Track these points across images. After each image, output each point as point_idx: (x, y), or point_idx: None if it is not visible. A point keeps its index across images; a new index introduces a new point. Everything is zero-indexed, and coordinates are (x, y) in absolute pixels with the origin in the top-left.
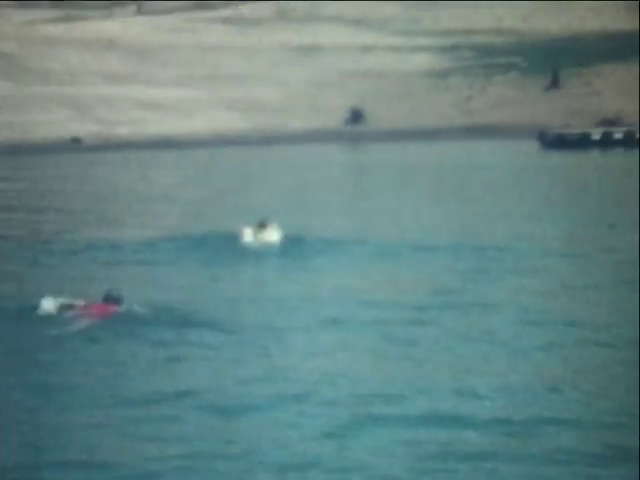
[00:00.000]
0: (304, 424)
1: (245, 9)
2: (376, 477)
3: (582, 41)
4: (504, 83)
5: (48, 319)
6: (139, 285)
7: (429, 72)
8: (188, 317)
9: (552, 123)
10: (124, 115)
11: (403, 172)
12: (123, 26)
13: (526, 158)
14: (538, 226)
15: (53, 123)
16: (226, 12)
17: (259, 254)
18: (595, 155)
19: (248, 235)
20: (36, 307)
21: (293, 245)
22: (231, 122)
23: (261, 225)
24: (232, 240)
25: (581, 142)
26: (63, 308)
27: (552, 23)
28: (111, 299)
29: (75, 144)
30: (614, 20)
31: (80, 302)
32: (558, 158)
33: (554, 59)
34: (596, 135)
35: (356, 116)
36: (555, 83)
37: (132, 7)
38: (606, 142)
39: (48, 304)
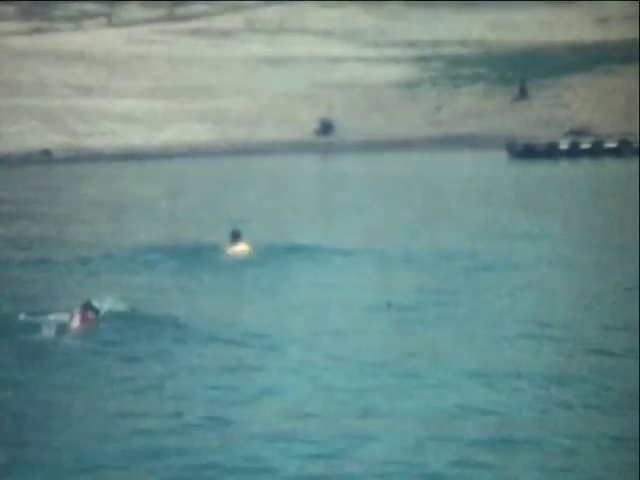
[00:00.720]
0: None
1: (215, 21)
2: None
3: (549, 52)
4: (472, 94)
5: (30, 334)
6: (114, 293)
7: (398, 83)
8: (165, 324)
9: (520, 133)
10: (94, 127)
11: (373, 182)
12: (93, 38)
13: (495, 168)
14: (508, 234)
15: (23, 135)
16: (196, 24)
17: (233, 264)
18: (563, 165)
19: (223, 245)
20: (12, 319)
21: (265, 254)
22: (201, 133)
23: (235, 235)
24: (206, 250)
25: (549, 152)
26: (44, 323)
27: (519, 34)
28: (90, 308)
29: (45, 156)
30: (581, 32)
31: (61, 315)
32: (527, 168)
33: (521, 70)
34: (564, 145)
35: (326, 127)
36: (523, 94)
37: (102, 19)
38: (574, 152)
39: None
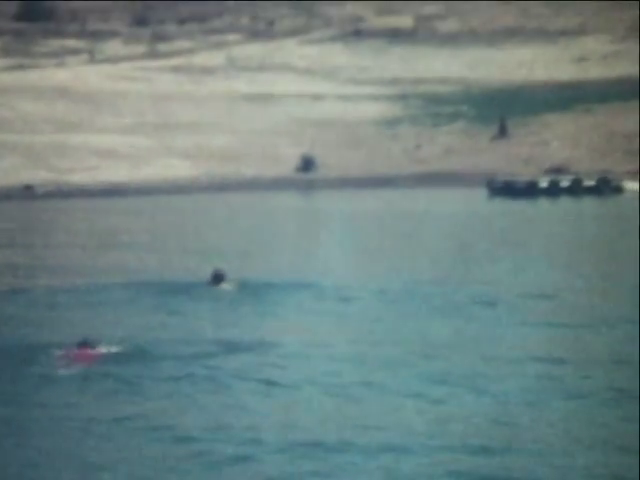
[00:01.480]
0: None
1: (197, 58)
2: None
3: (528, 91)
4: (452, 132)
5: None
6: (104, 328)
7: (378, 120)
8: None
9: (500, 171)
10: (76, 163)
11: (354, 219)
12: (75, 74)
13: (475, 205)
14: (489, 269)
15: (5, 171)
16: (178, 60)
17: (216, 299)
18: (543, 203)
19: (207, 284)
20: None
21: (247, 291)
22: (183, 170)
23: (217, 277)
24: (191, 287)
25: (529, 190)
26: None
27: (499, 73)
28: (88, 344)
29: (27, 191)
30: (559, 71)
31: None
32: (507, 205)
33: (501, 108)
34: (543, 183)
35: (307, 164)
36: (502, 132)
37: (84, 55)
38: (553, 190)
39: None
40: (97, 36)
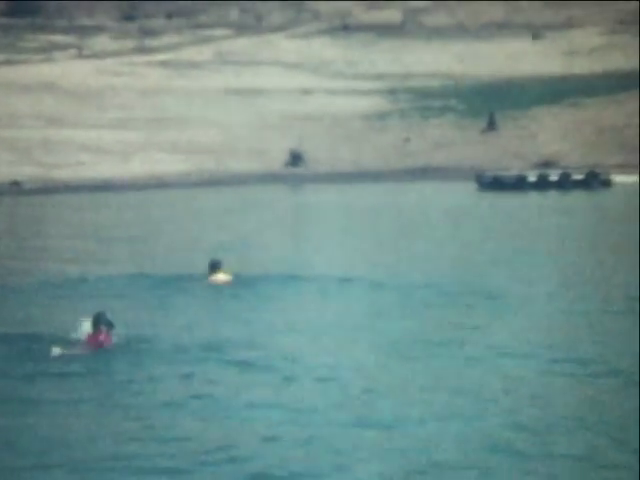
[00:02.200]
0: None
1: (185, 52)
2: None
3: (517, 85)
4: (441, 126)
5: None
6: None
7: (367, 115)
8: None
9: (489, 165)
10: (64, 158)
11: (342, 213)
12: (63, 69)
13: (464, 199)
14: (477, 264)
15: None
16: (166, 55)
17: (214, 291)
18: (532, 196)
19: (201, 276)
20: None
21: (242, 283)
22: (171, 165)
23: (214, 265)
24: (187, 280)
25: (518, 184)
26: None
27: (487, 67)
28: (103, 323)
29: (14, 187)
30: (548, 65)
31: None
32: (496, 199)
33: (490, 102)
34: (532, 177)
35: (295, 158)
36: (491, 126)
37: (72, 51)
38: (542, 184)
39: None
40: (85, 31)
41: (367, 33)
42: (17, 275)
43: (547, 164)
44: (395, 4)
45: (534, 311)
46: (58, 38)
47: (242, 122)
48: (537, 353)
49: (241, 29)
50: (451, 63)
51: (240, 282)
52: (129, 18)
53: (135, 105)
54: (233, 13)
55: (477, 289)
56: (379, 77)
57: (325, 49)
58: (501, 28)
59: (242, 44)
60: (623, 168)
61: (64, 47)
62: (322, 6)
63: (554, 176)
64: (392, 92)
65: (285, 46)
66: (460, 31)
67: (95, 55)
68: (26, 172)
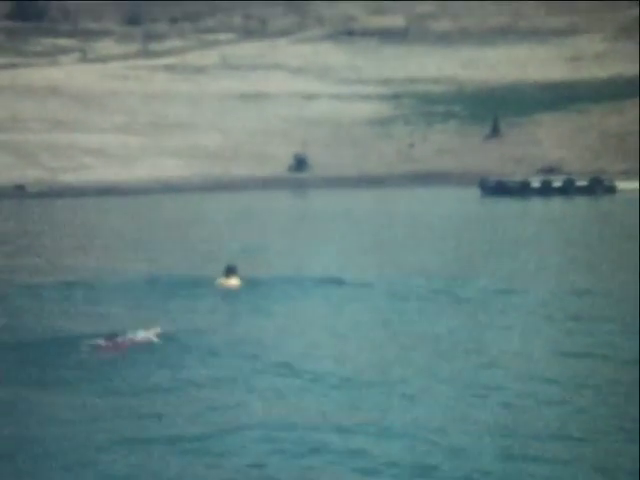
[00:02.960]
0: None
1: (189, 57)
2: None
3: (521, 91)
4: (445, 131)
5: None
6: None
7: (371, 120)
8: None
9: (493, 171)
10: (68, 162)
11: (346, 218)
12: (67, 73)
13: (468, 205)
14: (482, 268)
15: None
16: (170, 60)
17: (225, 294)
18: (535, 202)
19: (211, 279)
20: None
21: (251, 287)
22: (175, 169)
23: (229, 270)
24: (197, 283)
25: (521, 190)
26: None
27: (492, 73)
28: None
29: (19, 191)
30: (552, 71)
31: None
32: (499, 205)
33: (494, 108)
34: (536, 183)
35: (300, 163)
36: (495, 132)
37: (76, 54)
38: (545, 190)
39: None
40: (89, 35)
41: (371, 38)
42: (24, 277)
43: (551, 170)
44: (399, 10)
45: (534, 317)
46: (63, 42)
47: (246, 127)
48: (534, 368)
49: (245, 34)
50: (455, 69)
51: (248, 286)
52: (134, 22)
53: (139, 109)
54: (237, 18)
55: (479, 294)
56: (383, 82)
57: (329, 54)
58: (505, 34)
59: (246, 49)
60: (627, 174)
61: (69, 51)
62: (326, 11)
63: (558, 182)
64: (396, 97)
65: (289, 51)
66: (464, 37)
67: (99, 59)
68: (31, 175)
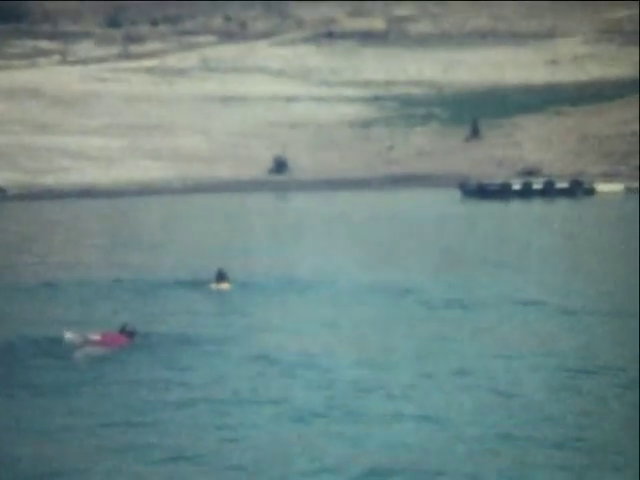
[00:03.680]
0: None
1: (169, 59)
2: None
3: (501, 93)
4: (425, 133)
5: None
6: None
7: (351, 122)
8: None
9: (473, 173)
10: (48, 164)
11: (326, 220)
12: (47, 75)
13: (448, 207)
14: (462, 271)
15: None
16: (151, 62)
17: (218, 295)
18: (516, 204)
19: (204, 282)
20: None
21: (240, 290)
22: (156, 171)
23: (220, 275)
24: (191, 285)
25: (502, 192)
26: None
27: (471, 75)
28: (126, 332)
29: None
30: (532, 73)
31: (95, 335)
32: (479, 207)
33: (474, 110)
34: (516, 185)
35: (280, 166)
36: (475, 134)
37: (56, 56)
38: (526, 192)
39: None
40: (69, 37)
41: (351, 41)
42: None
43: (531, 172)
44: (379, 12)
45: (518, 318)
46: (42, 44)
47: (226, 129)
48: (518, 358)
49: (226, 36)
50: (435, 71)
51: (238, 289)
52: (114, 24)
53: (119, 111)
54: (217, 20)
55: (459, 296)
56: (363, 85)
57: (309, 57)
58: (485, 37)
59: (227, 51)
60: (606, 177)
61: (48, 53)
62: (306, 14)
63: (538, 184)
64: (376, 100)
65: (269, 53)
66: (444, 39)
67: (80, 61)
68: (10, 178)
